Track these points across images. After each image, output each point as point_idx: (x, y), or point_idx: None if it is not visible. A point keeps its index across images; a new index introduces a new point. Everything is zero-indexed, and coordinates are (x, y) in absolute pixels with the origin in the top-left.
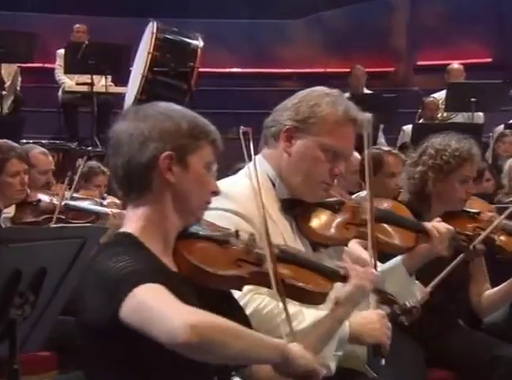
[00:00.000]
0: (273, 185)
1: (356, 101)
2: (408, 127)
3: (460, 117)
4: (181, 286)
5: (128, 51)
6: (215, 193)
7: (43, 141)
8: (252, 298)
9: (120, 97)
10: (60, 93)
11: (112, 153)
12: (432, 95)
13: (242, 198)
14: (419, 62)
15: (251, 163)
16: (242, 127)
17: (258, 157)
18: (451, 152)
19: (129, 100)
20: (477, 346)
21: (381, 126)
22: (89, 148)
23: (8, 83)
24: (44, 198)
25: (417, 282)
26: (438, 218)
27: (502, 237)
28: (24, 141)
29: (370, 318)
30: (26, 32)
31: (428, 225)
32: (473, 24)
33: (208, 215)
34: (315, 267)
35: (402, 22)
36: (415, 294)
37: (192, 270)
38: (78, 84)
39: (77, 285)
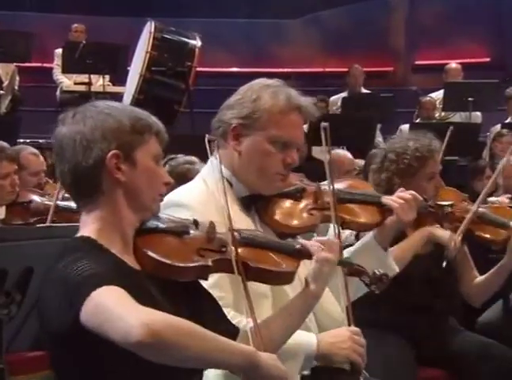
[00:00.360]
0: (230, 185)
1: (353, 101)
2: (405, 127)
3: (457, 117)
4: (146, 284)
5: (125, 51)
6: (168, 184)
7: (41, 140)
8: None
9: (118, 97)
10: (58, 92)
11: (58, 161)
12: (430, 94)
13: (199, 206)
14: (418, 62)
15: (205, 167)
16: (207, 135)
17: (211, 159)
18: (411, 154)
19: (127, 99)
20: (467, 344)
21: (379, 125)
22: None
23: (6, 83)
24: (36, 199)
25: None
26: (402, 188)
27: (479, 226)
28: (21, 140)
29: (340, 337)
30: (24, 32)
31: (387, 198)
32: (471, 23)
33: None
34: (279, 247)
35: (400, 22)
36: (393, 267)
37: (155, 265)
38: (76, 83)
39: (39, 292)
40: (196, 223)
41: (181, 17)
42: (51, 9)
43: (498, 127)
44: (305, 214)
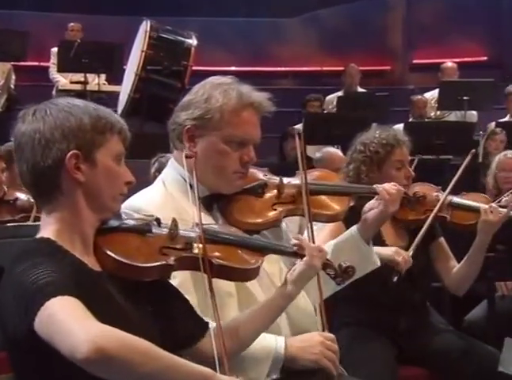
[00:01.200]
0: (190, 186)
1: (349, 100)
2: (399, 127)
3: (453, 116)
4: (106, 286)
5: (120, 50)
6: (129, 183)
7: None
8: None
9: (114, 96)
10: (54, 91)
11: (17, 159)
12: (425, 93)
13: (156, 210)
14: (415, 61)
15: (165, 169)
16: (185, 151)
17: (171, 161)
18: (378, 142)
19: (123, 98)
20: (450, 343)
21: (374, 124)
22: None
23: (1, 81)
24: (22, 196)
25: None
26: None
27: (452, 213)
28: None
29: (311, 341)
30: (19, 31)
31: (378, 187)
32: (469, 22)
33: None
34: (244, 243)
35: (398, 21)
36: (376, 261)
37: (116, 265)
38: (72, 82)
39: None
40: (158, 221)
41: (180, 15)
42: (48, 8)
43: (493, 124)
44: (268, 210)
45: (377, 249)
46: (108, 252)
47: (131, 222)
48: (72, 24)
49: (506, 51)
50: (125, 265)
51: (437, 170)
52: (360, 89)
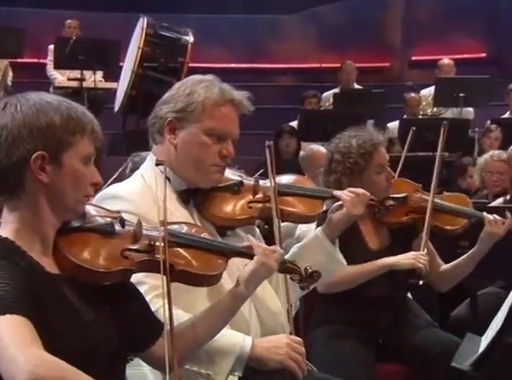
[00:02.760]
0: (168, 179)
1: (345, 97)
2: (394, 124)
3: (449, 113)
4: (62, 289)
5: (116, 47)
6: (96, 185)
7: None
8: (152, 302)
9: (111, 93)
10: (51, 88)
11: None
12: (422, 90)
13: (135, 198)
14: (414, 58)
15: (144, 163)
16: (156, 159)
17: (150, 156)
18: (356, 152)
19: (120, 95)
20: (429, 340)
21: (371, 121)
22: None
23: None
24: None
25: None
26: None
27: (436, 216)
28: None
29: (278, 342)
30: (15, 28)
31: (337, 192)
32: (468, 19)
33: None
34: (209, 246)
35: (397, 17)
36: (341, 261)
37: (75, 269)
38: (69, 79)
39: None
40: (122, 221)
41: (178, 12)
42: (46, 5)
43: (489, 122)
44: (243, 207)
45: (396, 259)
46: (69, 256)
47: (94, 221)
48: (69, 21)
49: (505, 48)
50: (85, 270)
51: (432, 167)
52: (356, 86)
